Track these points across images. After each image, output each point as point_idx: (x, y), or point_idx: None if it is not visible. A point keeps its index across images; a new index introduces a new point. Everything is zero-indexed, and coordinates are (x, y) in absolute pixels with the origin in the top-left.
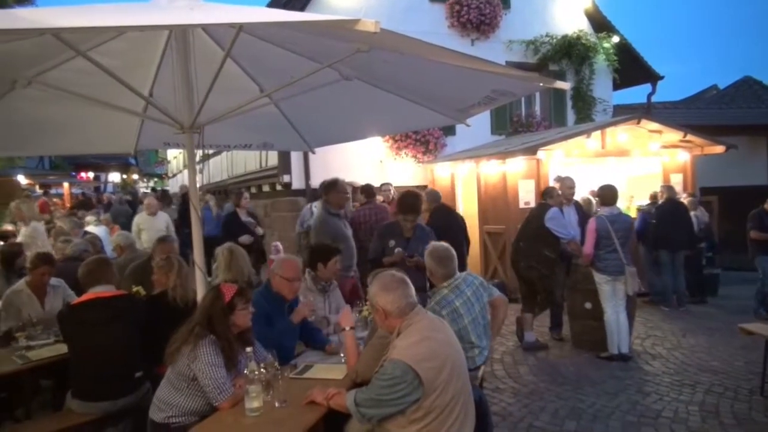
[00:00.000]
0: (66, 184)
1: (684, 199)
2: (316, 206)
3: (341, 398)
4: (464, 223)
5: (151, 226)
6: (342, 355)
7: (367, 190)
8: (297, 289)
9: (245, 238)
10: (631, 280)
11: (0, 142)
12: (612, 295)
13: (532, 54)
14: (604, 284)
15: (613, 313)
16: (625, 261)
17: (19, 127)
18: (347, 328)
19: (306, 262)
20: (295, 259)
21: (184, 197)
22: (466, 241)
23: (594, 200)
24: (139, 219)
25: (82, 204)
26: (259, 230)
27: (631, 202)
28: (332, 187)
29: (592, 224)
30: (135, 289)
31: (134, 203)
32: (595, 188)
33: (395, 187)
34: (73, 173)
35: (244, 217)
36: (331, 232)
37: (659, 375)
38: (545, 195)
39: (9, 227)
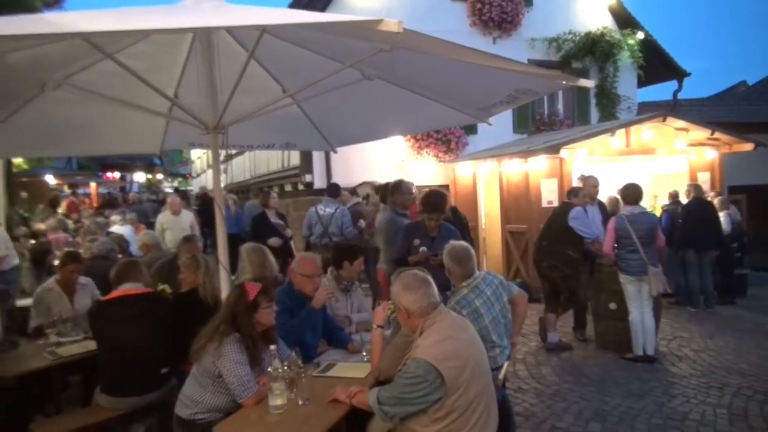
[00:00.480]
0: (93, 184)
1: (712, 198)
2: (321, 208)
3: (364, 396)
4: (466, 221)
5: (175, 225)
6: (365, 353)
7: (355, 192)
8: (318, 285)
9: (274, 241)
10: (655, 280)
11: (31, 143)
12: (637, 296)
13: (554, 52)
14: (628, 284)
15: (638, 313)
16: (647, 261)
17: (48, 129)
18: (375, 326)
19: (331, 260)
20: (312, 256)
21: (204, 197)
22: (470, 239)
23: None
24: (163, 218)
25: (109, 203)
26: (288, 232)
27: (656, 201)
28: (397, 188)
29: (611, 224)
30: (161, 287)
31: (159, 201)
32: (620, 187)
33: (417, 187)
34: (100, 173)
35: (273, 218)
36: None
37: (686, 377)
38: (570, 194)
39: (41, 226)
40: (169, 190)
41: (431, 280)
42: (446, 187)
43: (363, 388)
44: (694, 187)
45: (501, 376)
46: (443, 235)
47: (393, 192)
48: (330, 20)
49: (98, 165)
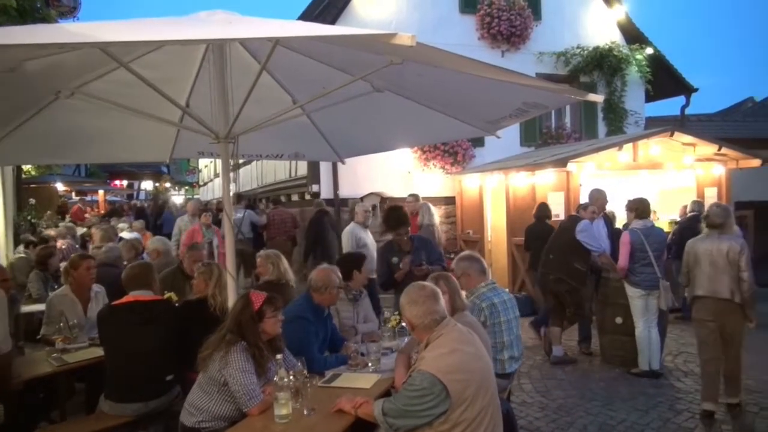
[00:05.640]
0: (101, 192)
1: None
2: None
3: (369, 407)
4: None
5: (372, 244)
6: (370, 364)
7: (275, 200)
8: (337, 297)
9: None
10: (665, 294)
11: (43, 150)
12: (644, 310)
13: (562, 66)
14: (637, 299)
15: (645, 328)
16: (660, 275)
17: (60, 136)
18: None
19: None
20: (332, 267)
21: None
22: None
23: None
24: (357, 231)
25: (114, 212)
26: None
27: (655, 216)
28: None
29: (625, 237)
30: (167, 294)
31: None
32: (627, 201)
33: (423, 198)
34: (108, 181)
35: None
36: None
37: (692, 392)
38: (580, 208)
39: (51, 232)
40: (178, 199)
41: (439, 294)
42: (452, 199)
43: (368, 399)
44: (696, 204)
45: (509, 387)
46: (417, 246)
47: None
48: (344, 33)
49: (106, 173)
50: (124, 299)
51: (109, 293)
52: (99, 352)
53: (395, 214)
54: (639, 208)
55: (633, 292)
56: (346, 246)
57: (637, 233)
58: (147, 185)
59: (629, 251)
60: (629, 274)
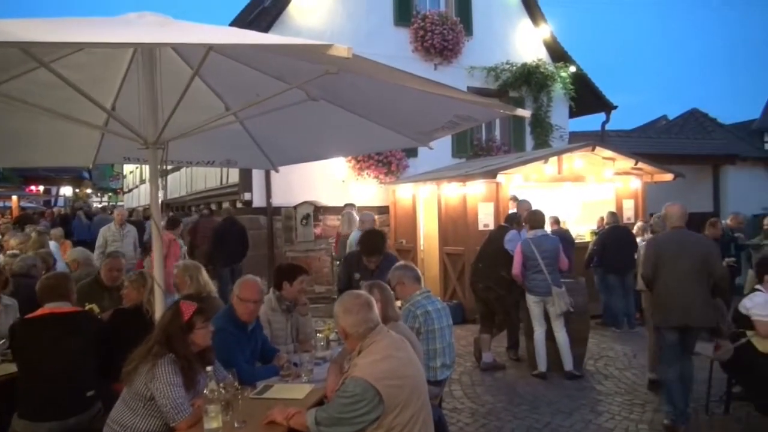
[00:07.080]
0: (14, 197)
1: (638, 225)
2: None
3: (302, 417)
4: (244, 232)
5: None
6: (304, 376)
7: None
8: (255, 312)
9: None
10: (558, 300)
11: None
12: (540, 316)
13: (492, 80)
14: (532, 304)
15: (541, 333)
16: (551, 281)
17: None
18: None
19: (272, 280)
20: (255, 281)
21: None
22: (245, 248)
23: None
24: None
25: (25, 218)
26: None
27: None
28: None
29: (518, 247)
30: (89, 306)
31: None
32: (553, 212)
33: (357, 207)
34: (23, 186)
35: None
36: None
37: (611, 395)
38: (511, 221)
39: None
40: (97, 206)
41: (372, 303)
42: (386, 208)
43: (300, 409)
44: (611, 215)
45: (441, 394)
46: (384, 267)
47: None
48: (280, 42)
49: (20, 177)
50: (39, 312)
51: (22, 305)
52: (11, 368)
53: (370, 240)
54: (532, 220)
55: (529, 298)
56: None
57: (528, 243)
58: (66, 191)
59: (521, 260)
60: (525, 281)
